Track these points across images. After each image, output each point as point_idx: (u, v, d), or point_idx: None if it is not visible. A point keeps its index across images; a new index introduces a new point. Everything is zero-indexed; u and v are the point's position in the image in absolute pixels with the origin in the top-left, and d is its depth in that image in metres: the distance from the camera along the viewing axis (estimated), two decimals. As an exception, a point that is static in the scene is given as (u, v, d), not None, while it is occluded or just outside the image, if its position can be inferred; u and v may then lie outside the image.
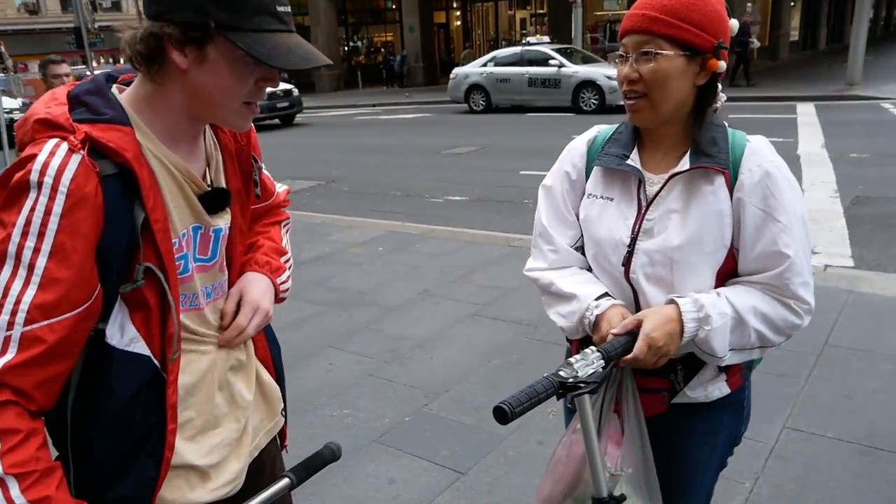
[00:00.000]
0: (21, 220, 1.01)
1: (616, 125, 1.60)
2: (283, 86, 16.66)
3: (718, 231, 1.41)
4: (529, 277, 1.67)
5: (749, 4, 19.41)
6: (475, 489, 2.81)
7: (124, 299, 1.14)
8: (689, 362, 1.48)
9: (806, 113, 12.67)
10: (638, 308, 1.49)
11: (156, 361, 1.18)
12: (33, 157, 1.03)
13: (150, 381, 1.18)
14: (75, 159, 1.04)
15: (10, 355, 1.00)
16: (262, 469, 1.47)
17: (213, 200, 1.25)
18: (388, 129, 15.72)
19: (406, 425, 3.30)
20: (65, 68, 5.11)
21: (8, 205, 1.03)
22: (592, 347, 1.35)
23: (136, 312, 1.16)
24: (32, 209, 1.02)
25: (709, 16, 1.37)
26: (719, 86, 1.45)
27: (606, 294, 1.51)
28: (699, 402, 1.51)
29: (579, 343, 1.59)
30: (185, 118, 1.18)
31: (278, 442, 1.58)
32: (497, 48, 27.67)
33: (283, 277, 1.45)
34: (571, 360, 1.30)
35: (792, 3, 25.01)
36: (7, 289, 1.01)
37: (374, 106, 21.60)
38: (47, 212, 1.02)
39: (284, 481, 1.23)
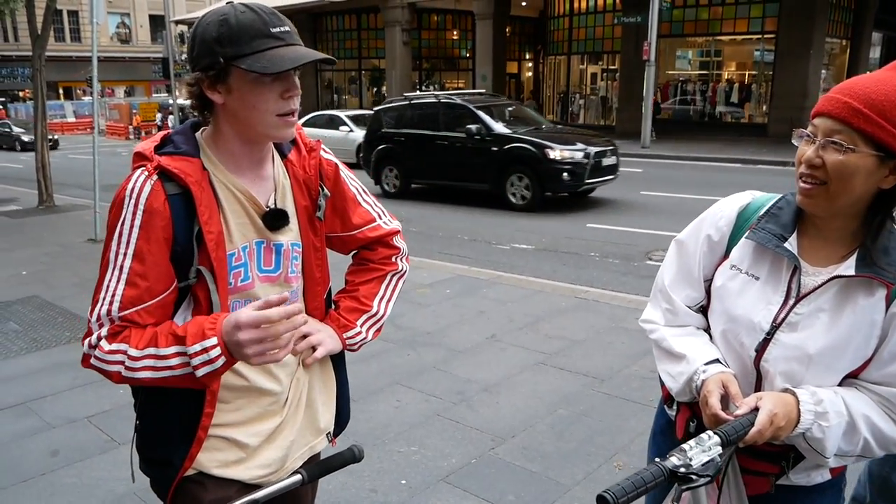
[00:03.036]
0: (116, 232, 1.34)
1: (774, 196, 1.51)
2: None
3: (864, 341, 1.35)
4: (643, 328, 1.64)
5: None
6: (541, 537, 2.84)
7: (189, 296, 1.40)
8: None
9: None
10: None
11: None
12: (127, 182, 1.36)
13: None
14: (150, 182, 1.34)
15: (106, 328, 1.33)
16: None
17: (273, 219, 1.46)
18: (456, 173, 15.98)
19: (472, 467, 3.36)
20: None
21: (113, 218, 1.36)
22: (710, 432, 1.26)
23: (197, 308, 1.41)
24: (122, 222, 1.33)
25: None
26: None
27: (717, 360, 1.46)
28: (801, 484, 1.49)
29: (689, 408, 1.56)
30: (239, 145, 1.42)
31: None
32: (567, 101, 28.10)
33: (351, 333, 1.63)
34: (685, 446, 1.23)
35: (867, 70, 24.57)
36: (108, 286, 1.33)
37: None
38: (131, 224, 1.33)
39: (296, 477, 1.38)
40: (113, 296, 1.32)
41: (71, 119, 40.04)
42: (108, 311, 1.32)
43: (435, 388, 4.26)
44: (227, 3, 1.36)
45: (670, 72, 24.94)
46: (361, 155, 14.24)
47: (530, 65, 33.52)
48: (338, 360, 1.70)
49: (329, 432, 1.68)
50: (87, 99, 40.01)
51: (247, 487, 1.47)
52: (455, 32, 32.01)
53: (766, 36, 22.17)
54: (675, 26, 23.51)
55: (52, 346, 5.08)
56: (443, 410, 3.97)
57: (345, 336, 1.62)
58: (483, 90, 17.57)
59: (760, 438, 1.31)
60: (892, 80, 1.30)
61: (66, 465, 3.41)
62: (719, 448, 1.24)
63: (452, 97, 12.32)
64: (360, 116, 18.31)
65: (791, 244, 1.41)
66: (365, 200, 1.67)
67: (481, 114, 11.48)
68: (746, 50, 23.72)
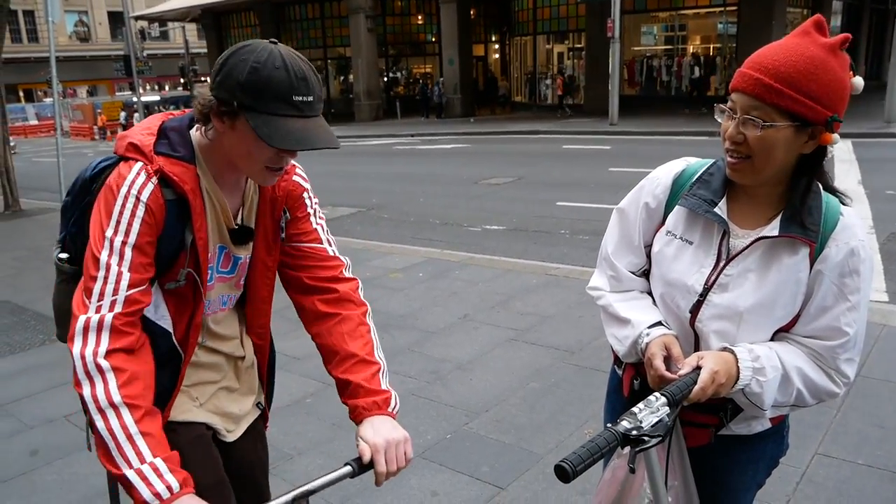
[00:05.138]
0: (114, 215, 1.38)
1: (706, 161, 1.57)
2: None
3: (791, 298, 1.41)
4: (590, 295, 1.69)
5: None
6: (514, 503, 2.94)
7: (166, 292, 1.50)
8: None
9: (843, 149, 12.60)
10: None
11: (174, 339, 1.53)
12: (125, 176, 1.40)
13: (170, 353, 1.52)
14: (151, 183, 1.40)
15: (117, 309, 1.36)
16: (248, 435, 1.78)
17: (241, 235, 1.59)
18: (427, 158, 16.02)
19: (448, 442, 3.45)
20: None
21: (108, 202, 1.39)
22: (657, 394, 1.30)
23: (170, 297, 1.51)
24: (121, 209, 1.38)
25: (828, 86, 1.31)
26: (829, 149, 1.39)
27: (660, 323, 1.52)
28: (742, 434, 1.55)
29: (633, 367, 1.62)
30: (227, 166, 1.50)
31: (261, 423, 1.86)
32: (535, 81, 28.14)
33: (393, 403, 1.56)
34: (635, 409, 1.27)
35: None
36: (108, 265, 1.36)
37: (412, 136, 22.04)
38: (132, 213, 1.38)
39: (346, 468, 1.40)
40: (119, 276, 1.35)
41: (33, 122, 39.30)
42: (115, 290, 1.35)
43: (409, 369, 4.34)
44: (271, 41, 1.36)
45: (636, 48, 25.08)
46: None
47: (497, 47, 33.49)
48: (269, 364, 1.85)
49: (260, 402, 1.83)
50: (48, 100, 39.24)
51: (207, 428, 1.64)
52: (420, 17, 31.84)
53: (728, 8, 22.39)
54: (639, 2, 23.63)
55: (26, 349, 5.07)
56: (417, 390, 4.05)
57: (393, 411, 1.55)
58: None
59: (703, 396, 1.36)
60: (798, 47, 1.33)
61: (46, 463, 3.44)
62: (667, 408, 1.29)
63: None
64: None
65: (721, 209, 1.47)
66: (317, 222, 1.68)
67: None
68: (710, 23, 23.93)
